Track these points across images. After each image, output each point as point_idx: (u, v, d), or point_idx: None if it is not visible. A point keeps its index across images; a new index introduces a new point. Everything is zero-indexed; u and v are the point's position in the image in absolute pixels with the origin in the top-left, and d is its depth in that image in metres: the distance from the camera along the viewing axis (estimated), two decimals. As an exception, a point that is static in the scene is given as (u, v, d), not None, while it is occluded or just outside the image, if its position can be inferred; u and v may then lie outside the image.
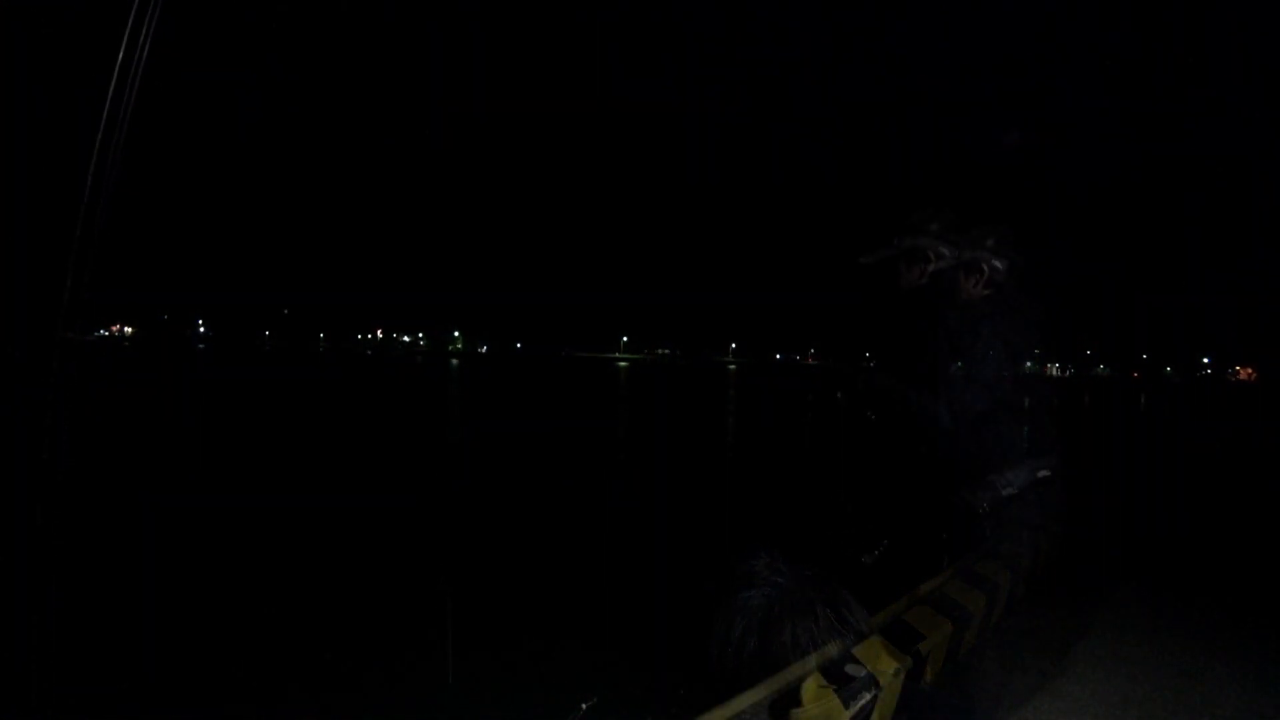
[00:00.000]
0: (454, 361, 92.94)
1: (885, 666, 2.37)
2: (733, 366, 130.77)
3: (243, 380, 28.29)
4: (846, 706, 2.20)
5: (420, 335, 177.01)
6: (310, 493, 8.76)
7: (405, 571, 5.71)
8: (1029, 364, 2.22)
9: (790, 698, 2.41)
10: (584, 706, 2.71)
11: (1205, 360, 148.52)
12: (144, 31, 1.17)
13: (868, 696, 2.26)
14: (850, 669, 2.34)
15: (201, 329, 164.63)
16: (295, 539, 6.63)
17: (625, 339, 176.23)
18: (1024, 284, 2.20)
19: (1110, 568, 4.39)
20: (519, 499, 8.91)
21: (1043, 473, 2.02)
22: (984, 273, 2.16)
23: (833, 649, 2.82)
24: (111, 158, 1.16)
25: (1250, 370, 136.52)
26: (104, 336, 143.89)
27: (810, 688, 2.30)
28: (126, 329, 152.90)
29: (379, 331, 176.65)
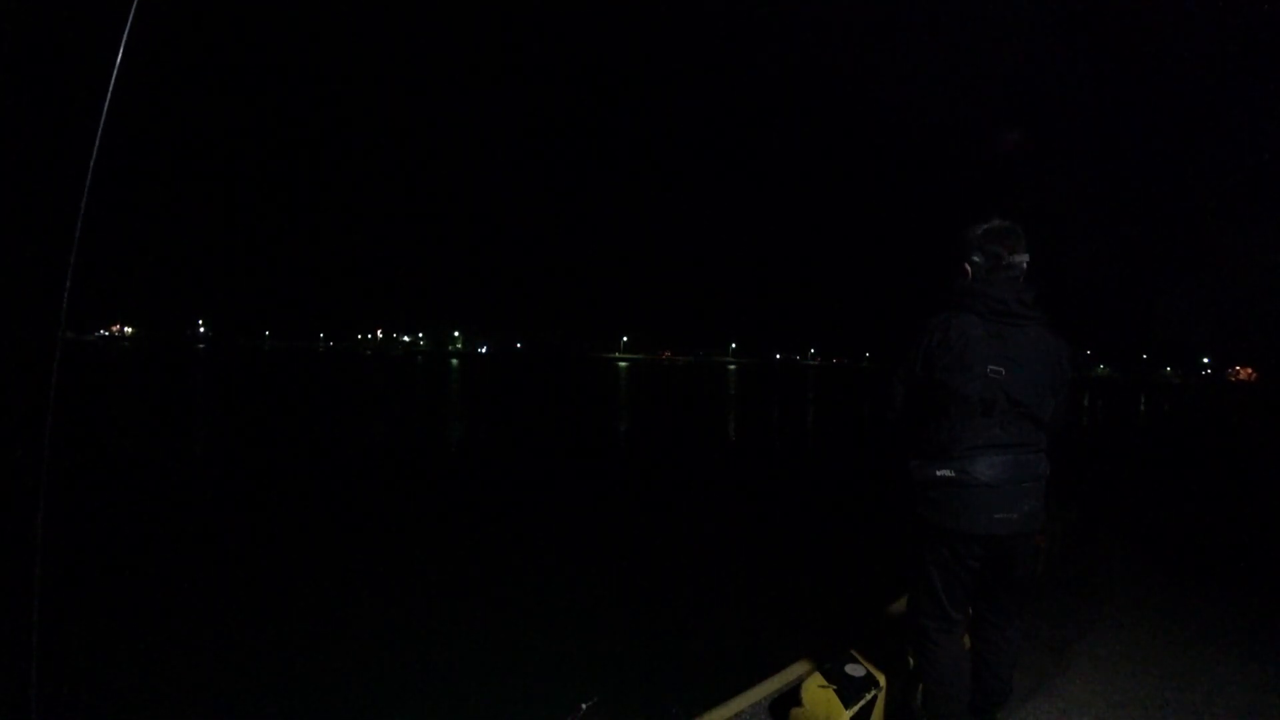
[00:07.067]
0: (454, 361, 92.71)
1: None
2: (732, 366, 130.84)
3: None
4: (847, 706, 2.20)
5: (420, 335, 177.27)
6: (325, 489, 8.80)
7: (405, 570, 5.71)
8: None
9: (790, 698, 2.41)
10: (584, 706, 2.70)
11: (1205, 360, 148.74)
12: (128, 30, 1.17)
13: (868, 696, 2.26)
14: (850, 669, 2.34)
15: (201, 329, 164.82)
16: (298, 538, 6.64)
17: (625, 339, 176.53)
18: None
19: (1108, 567, 4.40)
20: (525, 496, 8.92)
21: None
22: (968, 273, 2.15)
23: (832, 649, 2.82)
24: (94, 159, 1.16)
25: (1250, 370, 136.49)
26: (104, 336, 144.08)
27: (810, 688, 2.30)
28: (126, 329, 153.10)
29: (379, 331, 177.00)
